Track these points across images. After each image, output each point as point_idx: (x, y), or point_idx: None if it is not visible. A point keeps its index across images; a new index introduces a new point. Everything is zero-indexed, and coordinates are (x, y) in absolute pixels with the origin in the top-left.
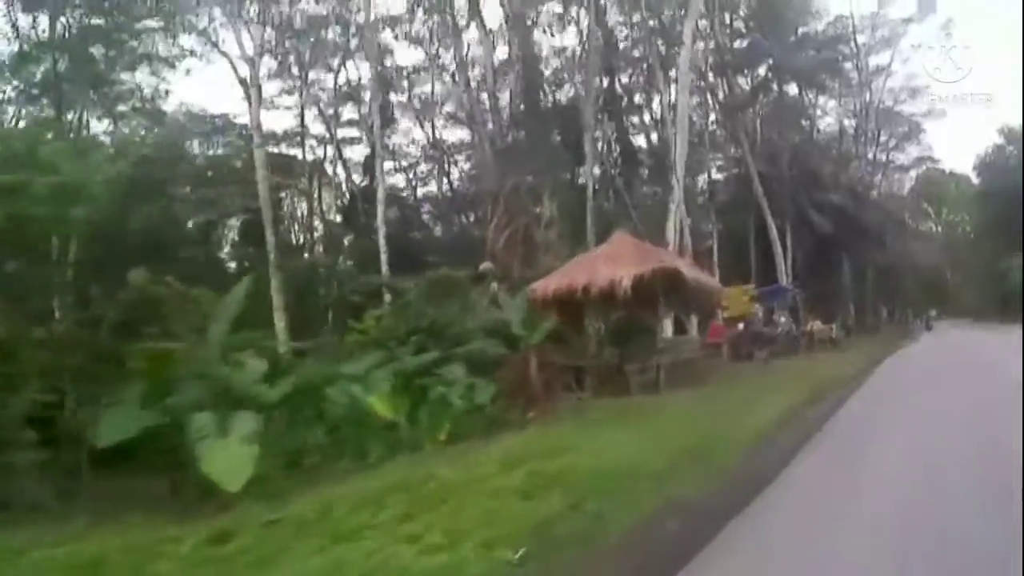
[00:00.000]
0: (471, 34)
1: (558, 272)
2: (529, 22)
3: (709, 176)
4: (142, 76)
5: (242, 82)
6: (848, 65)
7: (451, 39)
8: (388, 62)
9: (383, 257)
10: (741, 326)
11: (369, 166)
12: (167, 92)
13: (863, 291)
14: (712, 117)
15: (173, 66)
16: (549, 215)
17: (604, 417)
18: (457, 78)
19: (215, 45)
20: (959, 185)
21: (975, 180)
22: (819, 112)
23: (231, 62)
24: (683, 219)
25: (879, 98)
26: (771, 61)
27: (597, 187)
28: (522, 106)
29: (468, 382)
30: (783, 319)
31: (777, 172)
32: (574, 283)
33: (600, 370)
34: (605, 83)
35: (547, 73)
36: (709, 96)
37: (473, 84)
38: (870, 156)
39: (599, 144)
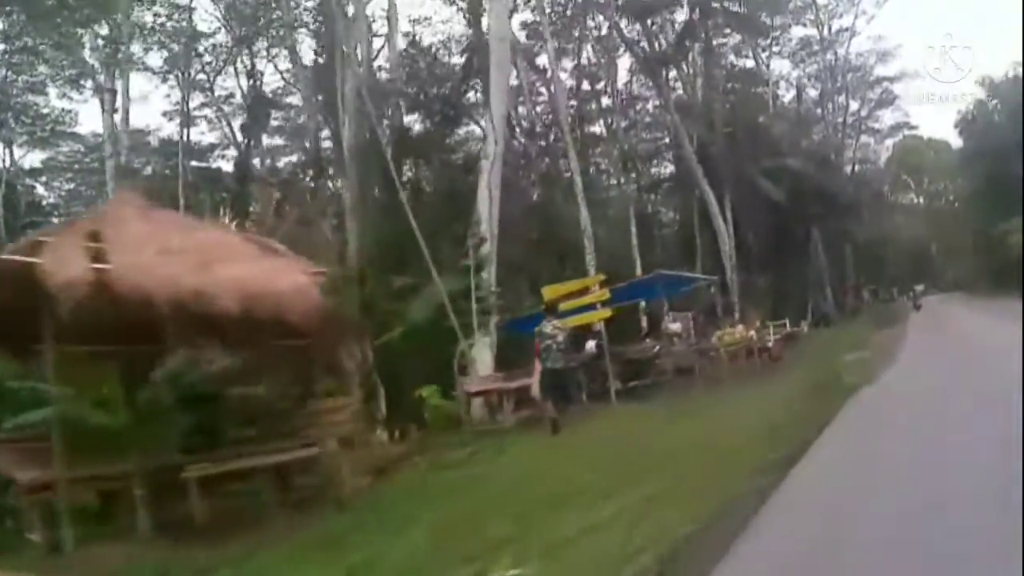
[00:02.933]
0: None
1: None
2: None
3: (625, 146)
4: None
5: (98, 88)
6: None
7: None
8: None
9: None
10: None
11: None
12: (73, 113)
13: (842, 271)
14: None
15: (79, 84)
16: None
17: None
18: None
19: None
20: (938, 152)
21: (957, 142)
22: (778, 77)
23: (93, 74)
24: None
25: (844, 59)
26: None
27: None
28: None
29: None
30: (675, 327)
31: (717, 135)
32: None
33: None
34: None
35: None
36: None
37: None
38: (839, 122)
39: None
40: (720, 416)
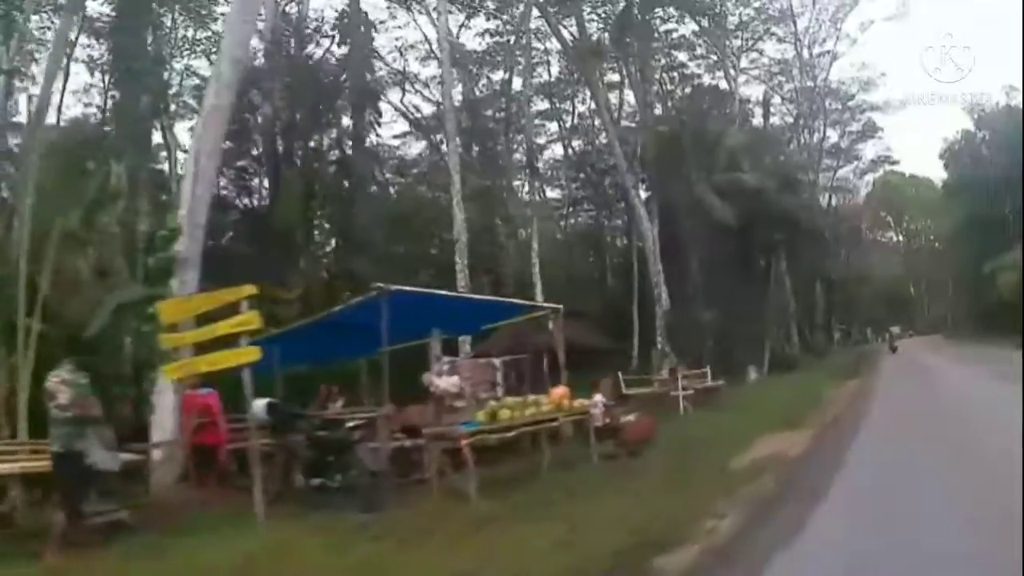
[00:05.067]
0: None
1: None
2: None
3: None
4: None
5: None
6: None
7: None
8: None
9: None
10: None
11: None
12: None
13: (811, 309)
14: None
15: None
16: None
17: None
18: None
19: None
20: (920, 189)
21: (942, 175)
22: (754, 103)
23: None
24: None
25: (824, 82)
26: None
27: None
28: None
29: None
30: (444, 382)
31: (650, 138)
32: None
33: None
34: None
35: None
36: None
37: None
38: (814, 148)
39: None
40: None
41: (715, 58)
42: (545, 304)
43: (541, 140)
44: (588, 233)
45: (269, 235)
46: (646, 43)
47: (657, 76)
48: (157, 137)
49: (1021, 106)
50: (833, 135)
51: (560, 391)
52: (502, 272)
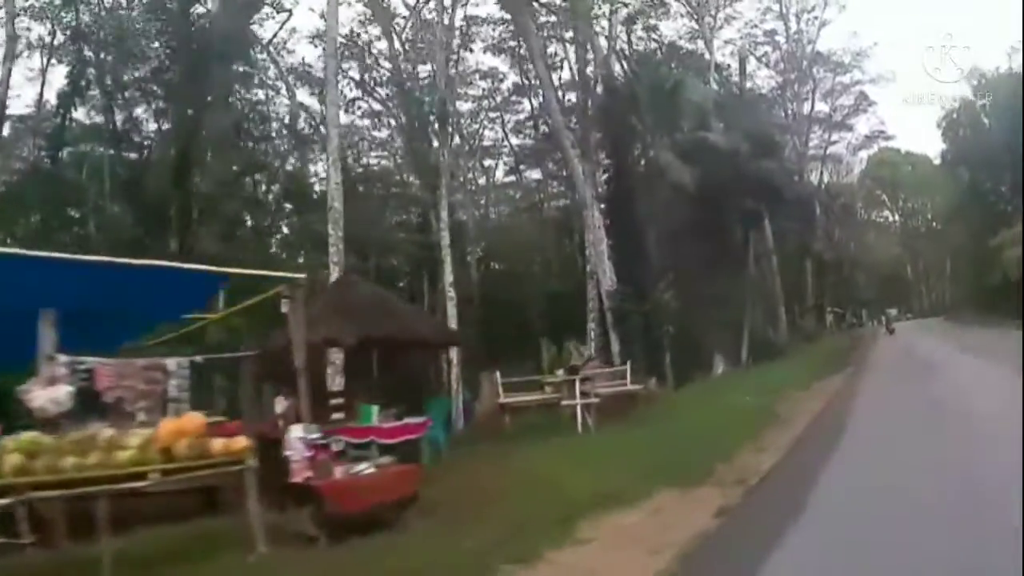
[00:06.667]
0: None
1: None
2: None
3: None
4: None
5: None
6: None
7: None
8: None
9: None
10: None
11: None
12: None
13: (801, 289)
14: None
15: None
16: None
17: None
18: None
19: None
20: (916, 166)
21: (938, 148)
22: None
23: None
24: None
25: (812, 48)
26: None
27: None
28: None
29: None
30: (48, 394)
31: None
32: None
33: None
34: None
35: None
36: None
37: None
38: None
39: None
40: None
41: (695, 25)
42: (263, 272)
43: (519, 117)
44: (560, 210)
45: (143, 210)
46: None
47: (620, 31)
48: None
49: (1022, 70)
50: (824, 107)
51: (179, 424)
52: (410, 251)
